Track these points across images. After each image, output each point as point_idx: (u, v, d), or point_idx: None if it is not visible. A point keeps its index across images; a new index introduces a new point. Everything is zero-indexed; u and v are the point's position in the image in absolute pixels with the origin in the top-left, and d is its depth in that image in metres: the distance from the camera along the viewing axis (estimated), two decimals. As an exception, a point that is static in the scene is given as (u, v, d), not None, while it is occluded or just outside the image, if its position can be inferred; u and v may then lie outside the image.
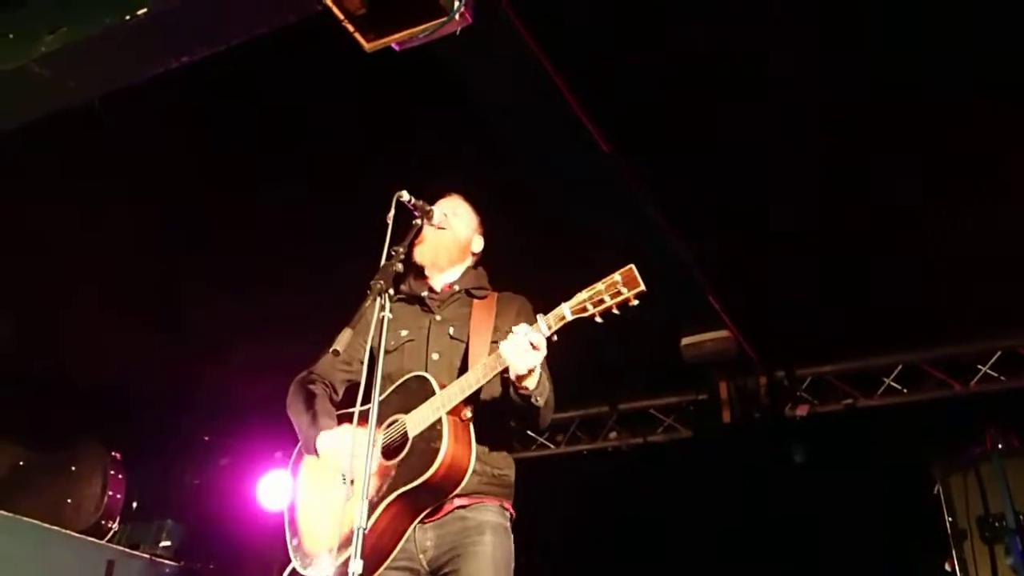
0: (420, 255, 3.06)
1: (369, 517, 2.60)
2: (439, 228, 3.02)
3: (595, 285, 2.59)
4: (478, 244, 3.22)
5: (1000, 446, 5.00)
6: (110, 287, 5.82)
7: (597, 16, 3.83)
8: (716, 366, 6.27)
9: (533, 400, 2.71)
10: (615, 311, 2.57)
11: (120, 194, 5.06)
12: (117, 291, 5.87)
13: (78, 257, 5.55)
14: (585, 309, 2.59)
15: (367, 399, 2.51)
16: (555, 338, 2.67)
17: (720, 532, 6.09)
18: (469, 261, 3.20)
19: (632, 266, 2.57)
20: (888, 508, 5.62)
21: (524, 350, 2.57)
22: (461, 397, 2.70)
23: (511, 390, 2.72)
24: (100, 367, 6.54)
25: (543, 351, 2.60)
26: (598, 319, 2.59)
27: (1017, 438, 5.06)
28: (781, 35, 3.94)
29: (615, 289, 2.56)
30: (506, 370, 2.66)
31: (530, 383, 2.66)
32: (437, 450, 2.63)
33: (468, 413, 2.75)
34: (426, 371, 2.84)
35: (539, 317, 2.65)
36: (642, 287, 2.54)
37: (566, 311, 2.61)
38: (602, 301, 2.56)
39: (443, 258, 3.10)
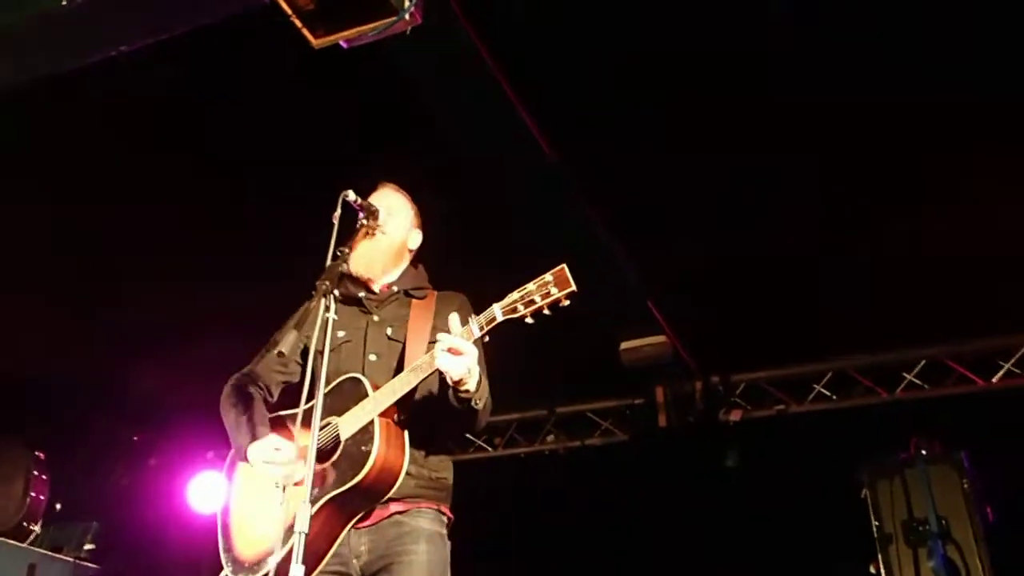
0: (355, 266, 2.94)
1: (300, 522, 2.56)
2: (379, 233, 2.95)
3: (526, 285, 2.58)
4: (415, 240, 3.15)
5: (924, 452, 5.18)
6: (33, 280, 5.64)
7: (544, 18, 3.84)
8: (653, 371, 6.35)
9: (473, 403, 2.67)
10: (546, 311, 2.56)
11: (45, 184, 4.90)
12: (41, 284, 5.70)
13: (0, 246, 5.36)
14: (516, 310, 2.57)
15: (309, 399, 2.48)
16: (487, 339, 2.65)
17: (654, 534, 6.17)
18: (407, 260, 3.13)
19: (564, 266, 2.57)
20: (817, 511, 5.75)
21: (444, 357, 2.54)
22: (393, 399, 2.67)
23: (450, 393, 2.68)
24: (23, 362, 6.34)
25: (470, 354, 2.57)
26: (529, 320, 2.57)
27: (940, 445, 5.25)
28: (730, 35, 3.97)
29: (546, 289, 2.55)
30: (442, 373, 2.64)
31: (470, 385, 2.63)
32: (368, 453, 2.59)
33: (401, 416, 2.71)
34: (363, 372, 2.79)
35: (471, 318, 2.63)
36: (573, 287, 2.54)
37: (497, 312, 2.60)
38: (533, 302, 2.55)
39: (377, 268, 3.03)
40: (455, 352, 2.54)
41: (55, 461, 6.43)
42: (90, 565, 6.07)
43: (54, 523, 6.44)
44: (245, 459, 2.80)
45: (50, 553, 5.86)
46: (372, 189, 3.09)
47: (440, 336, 2.58)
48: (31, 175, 4.81)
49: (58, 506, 6.44)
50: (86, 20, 3.07)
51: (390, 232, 3.01)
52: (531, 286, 2.57)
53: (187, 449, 7.39)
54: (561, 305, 2.55)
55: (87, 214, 5.14)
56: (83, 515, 6.65)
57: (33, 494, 6.11)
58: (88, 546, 6.49)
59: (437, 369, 2.62)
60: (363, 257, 2.97)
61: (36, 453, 6.32)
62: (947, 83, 4.14)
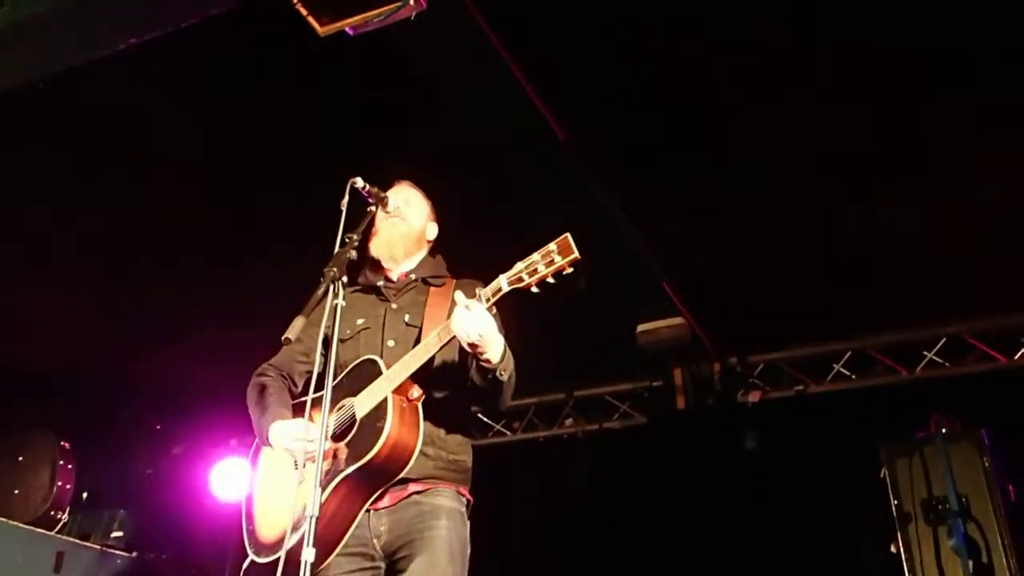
0: (376, 249, 3.06)
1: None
2: (394, 217, 3.02)
3: (531, 256, 2.62)
4: (432, 231, 3.22)
5: (944, 430, 5.14)
6: (57, 272, 5.71)
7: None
8: (671, 353, 6.34)
9: (498, 374, 2.70)
10: (550, 280, 2.59)
11: (66, 176, 4.94)
12: (64, 275, 5.76)
13: (23, 241, 5.43)
14: (521, 279, 2.61)
15: (320, 387, 2.50)
16: (494, 311, 2.68)
17: (673, 516, 6.18)
18: (425, 249, 3.19)
19: (567, 235, 2.59)
20: (836, 491, 5.74)
21: (460, 317, 2.58)
22: (405, 375, 2.70)
23: (473, 368, 2.72)
24: (48, 354, 6.42)
25: (482, 317, 2.59)
26: (535, 289, 2.61)
27: (960, 423, 5.20)
28: (738, 22, 3.94)
29: (550, 258, 2.58)
30: (466, 352, 2.66)
31: (492, 355, 2.65)
32: (382, 429, 2.62)
33: (415, 393, 2.74)
34: (381, 358, 2.82)
35: (478, 290, 2.66)
36: (576, 255, 2.57)
37: (503, 282, 2.64)
38: (536, 271, 2.58)
39: (399, 251, 3.09)
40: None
41: (81, 450, 6.53)
42: (118, 552, 6.15)
43: (81, 511, 6.54)
44: (266, 442, 2.84)
45: (78, 541, 5.94)
46: (388, 185, 3.13)
47: (456, 296, 2.62)
48: (47, 168, 4.85)
49: (85, 494, 6.54)
50: (95, 14, 3.10)
51: (409, 218, 3.09)
52: (536, 256, 2.61)
53: (210, 437, 7.47)
54: (565, 273, 2.59)
55: (105, 205, 5.17)
56: (109, 503, 6.75)
57: (60, 483, 6.22)
58: (115, 533, 6.60)
59: (448, 344, 2.67)
60: (385, 241, 3.05)
61: (62, 443, 6.42)
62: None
